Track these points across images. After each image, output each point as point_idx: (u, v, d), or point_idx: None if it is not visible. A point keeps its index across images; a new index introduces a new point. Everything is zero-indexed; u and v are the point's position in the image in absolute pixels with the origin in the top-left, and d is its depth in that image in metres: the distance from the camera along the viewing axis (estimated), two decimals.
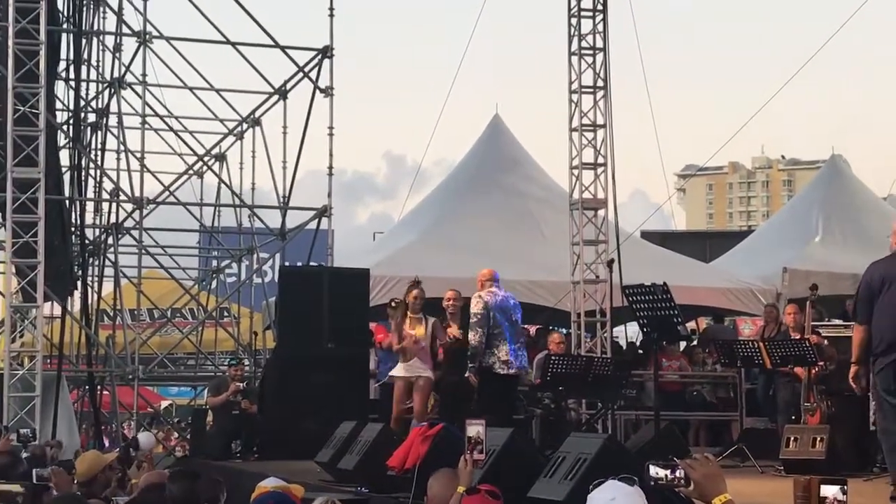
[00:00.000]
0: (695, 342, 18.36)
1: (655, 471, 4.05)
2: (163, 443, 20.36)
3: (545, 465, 7.28)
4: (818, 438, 11.61)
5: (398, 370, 12.08)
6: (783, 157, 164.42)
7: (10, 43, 15.05)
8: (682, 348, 17.47)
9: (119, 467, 9.96)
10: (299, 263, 19.73)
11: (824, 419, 12.19)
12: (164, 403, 31.37)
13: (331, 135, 17.45)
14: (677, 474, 4.02)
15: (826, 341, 12.77)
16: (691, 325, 19.75)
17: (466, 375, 11.63)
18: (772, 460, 12.14)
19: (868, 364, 8.42)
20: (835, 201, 20.18)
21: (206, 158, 20.96)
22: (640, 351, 13.29)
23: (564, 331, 17.10)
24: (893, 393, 7.69)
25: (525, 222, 18.33)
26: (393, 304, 15.13)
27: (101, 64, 19.90)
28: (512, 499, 6.56)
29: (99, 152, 19.82)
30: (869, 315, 7.82)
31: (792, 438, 11.80)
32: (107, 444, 17.93)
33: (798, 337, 12.83)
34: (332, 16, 17.62)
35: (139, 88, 18.16)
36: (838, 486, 4.28)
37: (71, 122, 18.91)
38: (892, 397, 7.70)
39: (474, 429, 6.32)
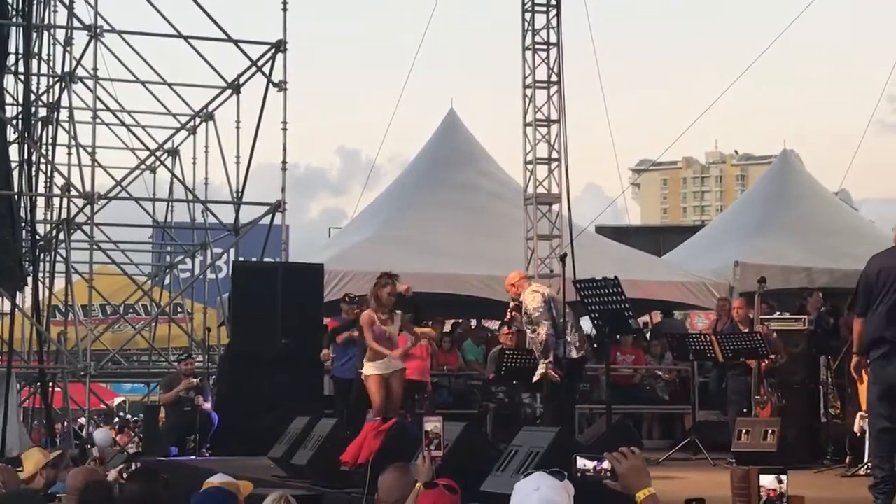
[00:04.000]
0: (647, 335, 18.46)
1: (583, 463, 4.13)
2: (115, 439, 20.19)
3: (498, 460, 7.30)
4: (769, 431, 11.71)
5: (380, 367, 11.71)
6: (736, 152, 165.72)
7: None
8: (631, 342, 17.55)
9: (70, 464, 9.87)
10: (253, 259, 19.64)
11: (775, 412, 12.29)
12: (118, 400, 31.16)
13: (284, 129, 17.33)
14: (604, 466, 4.09)
15: (774, 333, 12.86)
16: (644, 318, 19.87)
17: (543, 371, 11.27)
18: (724, 453, 12.23)
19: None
20: (787, 196, 20.32)
21: (158, 153, 20.79)
22: (595, 345, 13.34)
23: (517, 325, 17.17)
24: (879, 382, 7.80)
25: (480, 217, 18.34)
26: (347, 298, 15.17)
27: (51, 58, 19.69)
28: (465, 492, 6.57)
29: (50, 147, 19.60)
30: (866, 307, 7.95)
31: (744, 431, 11.90)
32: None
33: (746, 330, 12.93)
34: (285, 10, 17.51)
35: (90, 82, 17.91)
36: (777, 476, 4.32)
37: (21, 116, 18.68)
38: (876, 386, 7.82)
39: (432, 425, 6.31)
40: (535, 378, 11.56)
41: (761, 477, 4.31)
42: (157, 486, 6.00)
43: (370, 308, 11.78)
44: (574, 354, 11.29)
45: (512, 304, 12.03)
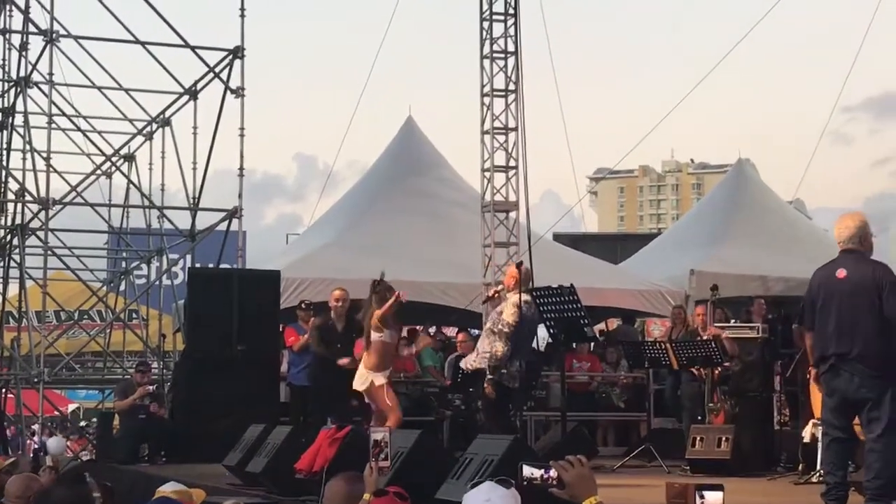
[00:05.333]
0: (603, 343, 18.52)
1: (529, 471, 4.12)
2: (69, 447, 20.03)
3: (453, 467, 7.31)
4: (724, 438, 11.78)
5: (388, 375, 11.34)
6: (692, 160, 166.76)
7: None
8: (591, 349, 17.61)
9: (29, 471, 9.77)
10: (210, 265, 19.56)
11: (728, 419, 12.39)
12: (72, 406, 30.88)
13: (241, 136, 17.27)
14: (550, 475, 4.09)
15: (726, 332, 12.96)
16: (601, 326, 19.93)
17: (485, 387, 10.96)
18: (679, 460, 12.30)
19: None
20: (741, 204, 20.48)
21: (114, 159, 20.67)
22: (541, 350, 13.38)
23: (475, 332, 17.17)
24: (831, 394, 7.94)
25: (438, 224, 18.35)
26: (303, 305, 15.13)
27: (6, 63, 19.55)
28: (420, 500, 6.57)
29: (4, 152, 19.45)
30: (812, 320, 8.08)
31: (698, 438, 11.97)
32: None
33: (705, 337, 13.01)
34: (242, 16, 17.45)
35: (46, 87, 17.80)
36: (701, 491, 4.33)
37: None
38: (830, 399, 7.96)
39: (379, 435, 6.30)
40: (469, 366, 11.42)
41: (697, 493, 4.32)
42: (84, 489, 5.94)
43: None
44: (508, 384, 11.11)
45: (500, 286, 11.77)
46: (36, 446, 18.07)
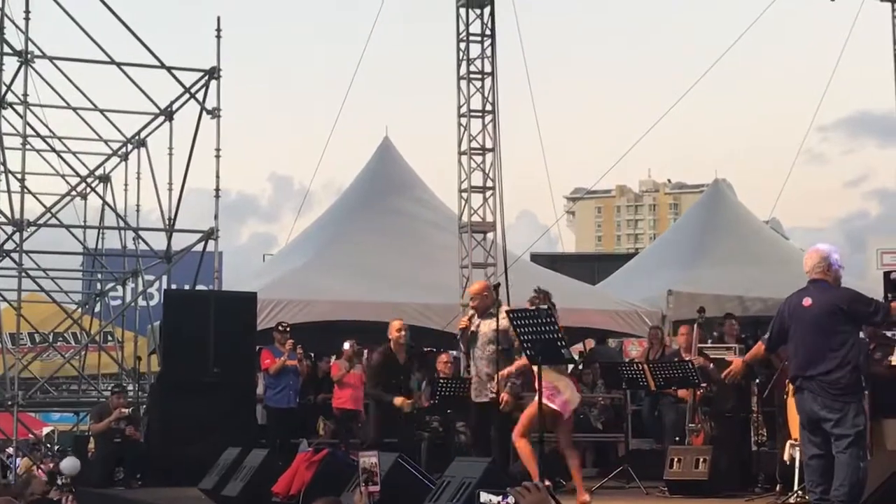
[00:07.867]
0: (580, 365, 18.49)
1: (487, 498, 4.11)
2: (42, 469, 19.84)
3: (431, 490, 7.26)
4: (701, 459, 11.77)
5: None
6: (669, 181, 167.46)
7: None
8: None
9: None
10: (186, 286, 19.45)
11: (708, 440, 12.37)
12: (46, 430, 30.64)
13: (217, 157, 17.21)
14: (508, 501, 4.07)
15: (712, 364, 12.94)
16: (579, 346, 19.92)
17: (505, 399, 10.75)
18: (657, 481, 12.28)
19: (748, 371, 10.41)
20: (718, 224, 20.55)
21: (89, 179, 20.56)
22: None
23: (454, 353, 17.12)
24: (800, 413, 8.55)
25: (415, 245, 18.33)
26: (280, 327, 15.07)
27: None
28: None
29: None
30: (776, 341, 8.84)
31: (676, 459, 11.95)
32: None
33: (688, 358, 13.00)
34: (219, 37, 17.41)
35: (20, 108, 17.71)
36: None
37: None
38: (801, 418, 8.54)
39: (367, 460, 6.26)
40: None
41: None
42: None
43: None
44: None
45: (469, 313, 11.64)
46: (49, 465, 17.87)
